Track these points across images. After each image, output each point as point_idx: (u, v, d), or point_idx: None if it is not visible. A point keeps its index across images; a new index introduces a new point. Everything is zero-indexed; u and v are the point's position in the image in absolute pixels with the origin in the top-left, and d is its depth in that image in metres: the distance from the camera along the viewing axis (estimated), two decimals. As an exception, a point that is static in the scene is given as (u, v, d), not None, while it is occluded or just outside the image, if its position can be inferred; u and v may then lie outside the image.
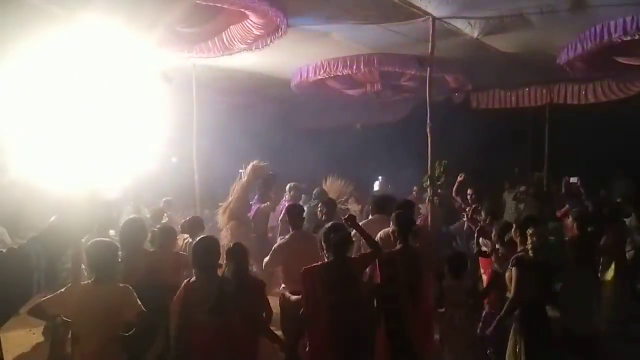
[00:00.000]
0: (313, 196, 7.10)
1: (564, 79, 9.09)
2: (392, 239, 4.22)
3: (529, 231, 4.32)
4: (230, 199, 6.43)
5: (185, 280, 3.46)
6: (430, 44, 5.88)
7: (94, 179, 2.41)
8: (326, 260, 3.62)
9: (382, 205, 5.24)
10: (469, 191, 7.09)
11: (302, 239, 4.62)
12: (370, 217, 5.43)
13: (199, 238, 3.67)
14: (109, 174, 2.68)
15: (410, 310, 3.90)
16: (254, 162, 6.64)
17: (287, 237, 4.77)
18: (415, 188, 8.87)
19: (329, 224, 3.76)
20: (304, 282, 3.57)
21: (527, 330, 4.17)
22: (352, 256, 3.87)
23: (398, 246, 4.07)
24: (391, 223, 4.27)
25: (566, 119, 9.83)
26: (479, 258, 5.42)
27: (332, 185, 7.49)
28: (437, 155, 6.04)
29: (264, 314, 3.67)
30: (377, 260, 3.96)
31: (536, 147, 10.64)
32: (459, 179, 7.12)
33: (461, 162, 9.24)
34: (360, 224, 4.28)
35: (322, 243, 3.61)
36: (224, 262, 3.68)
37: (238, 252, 3.61)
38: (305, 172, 9.03)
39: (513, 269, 4.20)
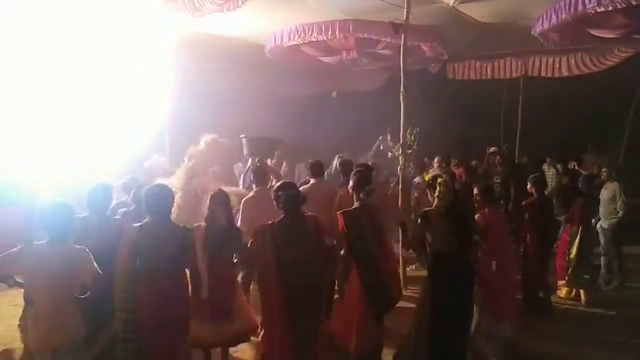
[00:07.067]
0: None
1: (539, 51, 9.09)
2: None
3: None
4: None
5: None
6: (405, 9, 5.78)
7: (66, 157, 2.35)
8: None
9: (317, 169, 5.79)
10: (497, 157, 8.58)
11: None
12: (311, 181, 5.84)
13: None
14: (80, 150, 2.61)
15: (381, 262, 4.02)
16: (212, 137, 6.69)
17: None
18: None
19: (278, 183, 3.78)
20: (254, 241, 3.50)
21: None
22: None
23: (356, 204, 4.19)
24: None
25: (540, 92, 9.90)
26: None
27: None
28: (411, 124, 6.03)
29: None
30: (342, 218, 4.02)
31: (509, 120, 10.77)
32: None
33: (438, 131, 9.31)
34: (301, 189, 4.31)
35: (274, 202, 3.57)
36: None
37: (221, 200, 3.96)
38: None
39: None
